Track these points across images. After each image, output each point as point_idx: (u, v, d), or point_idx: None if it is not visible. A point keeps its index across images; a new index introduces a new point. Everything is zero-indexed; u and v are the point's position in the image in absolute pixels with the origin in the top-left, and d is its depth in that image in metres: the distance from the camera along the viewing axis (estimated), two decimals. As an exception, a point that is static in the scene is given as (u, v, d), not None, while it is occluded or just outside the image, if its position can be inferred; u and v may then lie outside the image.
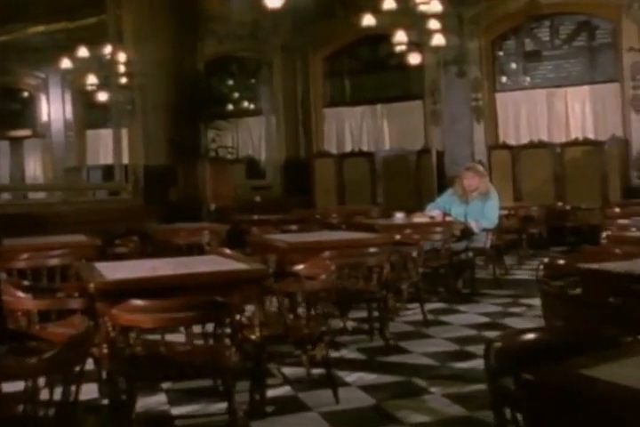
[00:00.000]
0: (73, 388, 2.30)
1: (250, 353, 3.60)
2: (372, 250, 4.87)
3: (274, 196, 13.47)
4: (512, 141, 12.76)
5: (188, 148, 10.74)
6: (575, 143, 12.25)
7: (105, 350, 3.32)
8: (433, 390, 4.23)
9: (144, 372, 3.16)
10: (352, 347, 5.28)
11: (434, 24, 10.31)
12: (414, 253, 5.58)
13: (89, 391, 3.52)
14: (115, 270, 3.80)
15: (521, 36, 12.80)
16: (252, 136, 14.81)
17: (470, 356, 4.99)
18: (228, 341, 3.41)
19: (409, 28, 10.69)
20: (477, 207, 7.57)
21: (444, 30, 10.55)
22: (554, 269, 3.95)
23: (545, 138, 12.57)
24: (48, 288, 4.47)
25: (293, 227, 8.60)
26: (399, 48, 10.56)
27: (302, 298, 3.85)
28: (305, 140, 14.22)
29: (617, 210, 9.03)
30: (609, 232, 5.72)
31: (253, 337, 3.59)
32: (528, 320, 6.15)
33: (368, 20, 10.38)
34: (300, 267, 4.16)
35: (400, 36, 10.39)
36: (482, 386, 4.20)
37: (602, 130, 12.29)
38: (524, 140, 12.66)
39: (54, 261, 5.14)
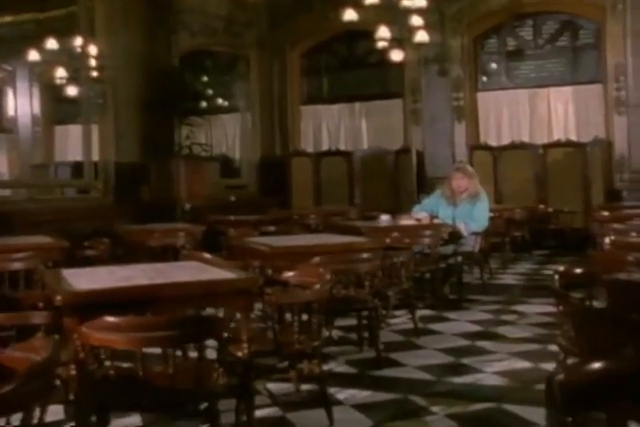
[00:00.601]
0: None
1: (236, 371, 3.22)
2: (365, 256, 4.51)
3: (249, 195, 13.07)
4: (493, 142, 12.48)
5: (161, 144, 10.32)
6: (557, 145, 11.99)
7: (73, 372, 2.92)
8: (434, 409, 3.89)
9: (116, 399, 2.77)
10: (341, 359, 4.93)
11: (416, 20, 10.00)
12: (405, 258, 5.23)
13: (54, 412, 3.12)
14: (84, 279, 3.39)
15: (503, 35, 12.53)
16: (226, 134, 14.37)
17: (467, 370, 4.66)
18: (211, 359, 3.03)
19: (390, 23, 10.36)
20: (466, 210, 7.26)
21: (425, 27, 10.24)
22: (571, 278, 3.62)
23: (527, 139, 12.30)
24: (9, 297, 4.05)
25: (272, 228, 8.26)
26: (381, 44, 10.22)
27: (293, 310, 3.48)
28: (281, 138, 13.84)
29: (605, 213, 8.77)
30: (612, 237, 5.43)
31: (240, 354, 3.22)
32: (521, 329, 5.85)
33: (349, 14, 10.05)
34: (289, 274, 3.79)
35: (383, 32, 10.06)
36: (487, 405, 3.89)
37: (584, 131, 12.06)
38: (506, 140, 12.37)
39: (17, 266, 4.72)
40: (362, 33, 11.80)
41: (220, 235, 7.80)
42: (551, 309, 6.55)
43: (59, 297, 3.00)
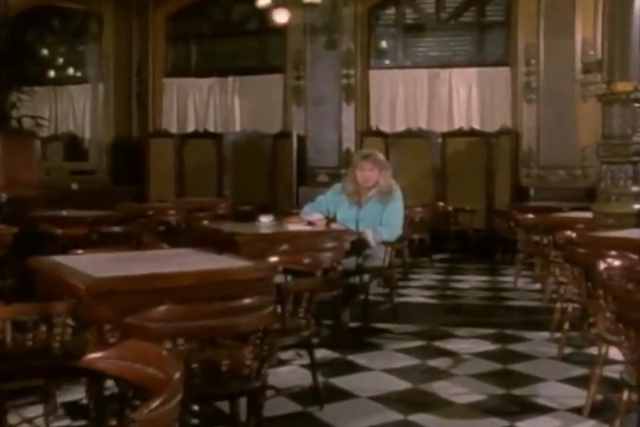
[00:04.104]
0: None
1: None
2: (247, 302, 2.68)
3: (97, 183, 10.95)
4: (386, 128, 10.89)
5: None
6: (459, 133, 10.63)
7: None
8: None
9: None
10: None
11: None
12: (309, 294, 3.42)
13: None
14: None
15: (402, 6, 10.92)
16: (74, 108, 12.19)
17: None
18: None
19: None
20: (375, 211, 5.52)
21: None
22: None
23: (424, 126, 10.80)
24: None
25: (116, 228, 6.33)
26: (263, 2, 8.36)
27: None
28: (139, 115, 11.80)
29: (530, 216, 7.30)
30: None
31: None
32: (461, 385, 4.15)
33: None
34: (98, 356, 1.91)
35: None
36: None
37: (489, 120, 10.67)
38: (401, 127, 10.83)
39: None
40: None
41: (43, 240, 5.78)
42: (487, 345, 5.03)
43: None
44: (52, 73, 12.32)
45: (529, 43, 10.22)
